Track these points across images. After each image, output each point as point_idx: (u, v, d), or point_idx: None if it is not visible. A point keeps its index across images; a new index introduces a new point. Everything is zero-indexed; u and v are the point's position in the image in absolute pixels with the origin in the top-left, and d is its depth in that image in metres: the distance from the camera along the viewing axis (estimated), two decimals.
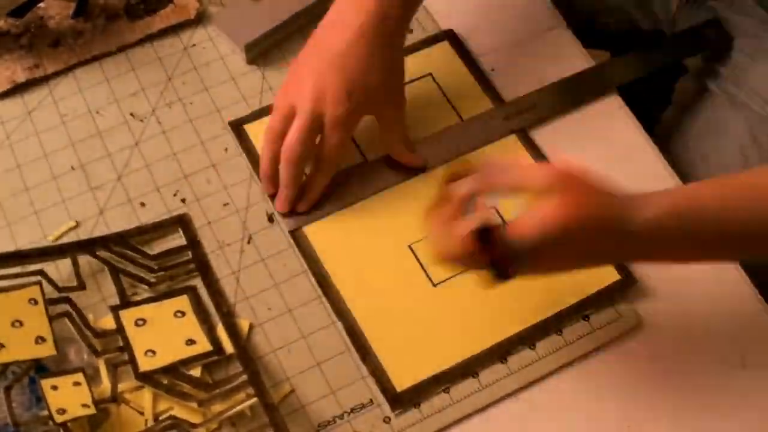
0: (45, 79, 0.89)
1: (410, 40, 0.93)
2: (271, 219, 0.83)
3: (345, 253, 0.81)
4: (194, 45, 0.92)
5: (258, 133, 0.86)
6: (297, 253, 0.81)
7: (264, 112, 0.88)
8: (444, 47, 0.93)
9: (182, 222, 0.82)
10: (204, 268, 0.80)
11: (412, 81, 0.90)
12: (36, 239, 0.81)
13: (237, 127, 0.88)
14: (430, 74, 0.91)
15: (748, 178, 0.70)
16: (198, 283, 0.79)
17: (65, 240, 0.80)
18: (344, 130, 0.80)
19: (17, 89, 0.88)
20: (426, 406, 0.75)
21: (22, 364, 0.72)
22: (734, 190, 0.69)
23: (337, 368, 0.76)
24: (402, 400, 0.75)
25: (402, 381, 0.76)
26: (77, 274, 0.78)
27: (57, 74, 0.89)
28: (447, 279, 0.80)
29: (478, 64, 0.92)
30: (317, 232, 0.82)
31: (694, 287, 0.82)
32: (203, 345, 0.75)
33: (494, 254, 0.65)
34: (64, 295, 0.76)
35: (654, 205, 0.66)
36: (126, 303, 0.77)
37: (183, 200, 0.84)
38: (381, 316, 0.79)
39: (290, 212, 0.83)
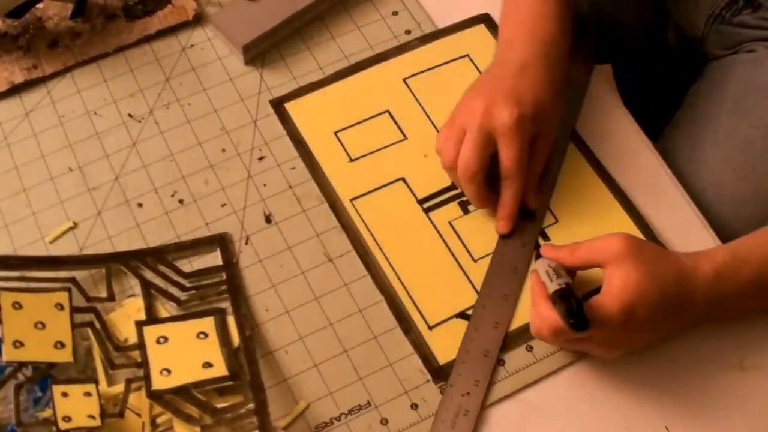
0: (43, 80, 0.89)
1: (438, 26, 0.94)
2: (268, 220, 0.83)
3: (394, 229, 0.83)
4: (192, 46, 0.92)
5: (300, 111, 0.87)
6: (294, 254, 0.81)
7: (304, 90, 0.89)
8: (480, 30, 0.94)
9: (222, 241, 0.81)
10: (235, 290, 0.78)
11: (449, 62, 0.92)
12: (34, 240, 0.81)
13: (278, 105, 0.88)
14: (467, 55, 0.92)
15: None
16: (227, 305, 0.78)
17: (63, 240, 0.80)
18: (517, 139, 0.79)
19: (15, 90, 0.88)
20: (423, 408, 0.75)
21: (36, 366, 0.72)
22: None
23: (335, 370, 0.76)
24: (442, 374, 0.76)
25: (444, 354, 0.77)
26: (108, 285, 0.77)
27: (55, 75, 0.89)
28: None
29: None
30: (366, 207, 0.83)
31: None
32: (220, 369, 0.73)
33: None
34: (91, 305, 0.76)
35: (708, 260, 0.74)
36: (152, 319, 0.76)
37: (181, 201, 0.84)
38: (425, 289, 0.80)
39: None
